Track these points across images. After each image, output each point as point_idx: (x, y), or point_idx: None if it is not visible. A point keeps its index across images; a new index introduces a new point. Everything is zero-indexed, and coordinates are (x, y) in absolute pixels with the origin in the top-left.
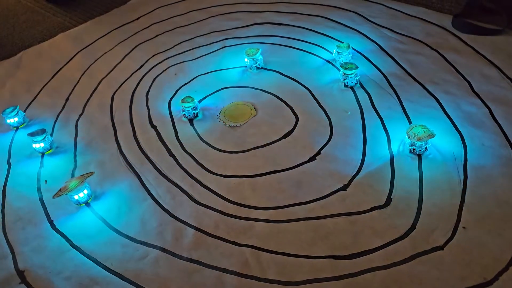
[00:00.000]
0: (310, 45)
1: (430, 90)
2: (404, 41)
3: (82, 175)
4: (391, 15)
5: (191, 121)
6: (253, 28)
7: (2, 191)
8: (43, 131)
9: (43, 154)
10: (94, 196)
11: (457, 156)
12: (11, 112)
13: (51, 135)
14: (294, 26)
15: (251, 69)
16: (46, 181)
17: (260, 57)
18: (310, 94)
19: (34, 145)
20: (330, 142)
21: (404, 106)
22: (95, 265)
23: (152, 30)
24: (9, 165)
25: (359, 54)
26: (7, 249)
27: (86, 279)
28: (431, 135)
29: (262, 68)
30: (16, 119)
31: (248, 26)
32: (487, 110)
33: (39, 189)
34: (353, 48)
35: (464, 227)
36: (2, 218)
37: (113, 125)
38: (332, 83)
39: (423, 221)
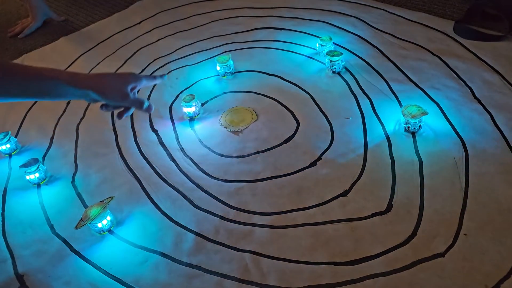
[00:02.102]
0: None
1: (432, 96)
2: (405, 47)
3: (102, 201)
4: (393, 20)
5: (191, 123)
6: (254, 33)
7: (3, 194)
8: (35, 160)
9: (38, 185)
10: (116, 222)
11: (459, 163)
12: (3, 138)
13: (52, 138)
14: (296, 31)
15: (225, 76)
16: (45, 184)
17: (231, 62)
18: (311, 99)
19: (27, 177)
20: (331, 147)
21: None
22: (95, 269)
23: (153, 34)
24: (10, 168)
25: (361, 60)
26: (7, 253)
27: (86, 283)
28: (424, 113)
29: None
30: (8, 145)
31: (249, 30)
32: (489, 116)
33: (39, 193)
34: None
35: (465, 234)
36: (2, 221)
37: (114, 129)
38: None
39: (424, 227)
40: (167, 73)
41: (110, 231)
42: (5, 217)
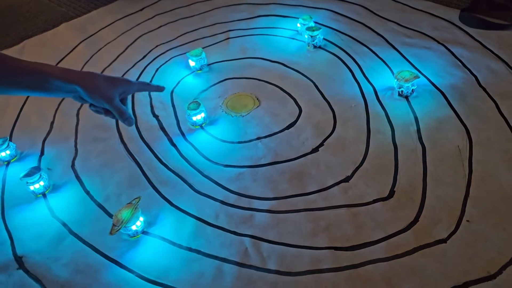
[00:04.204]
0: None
1: (436, 84)
2: (410, 35)
3: (130, 203)
4: (398, 9)
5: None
6: (257, 20)
7: (2, 178)
8: (37, 169)
9: (44, 194)
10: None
11: (462, 150)
12: (1, 145)
13: (52, 123)
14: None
15: (201, 69)
16: (48, 168)
17: (204, 54)
18: (314, 86)
19: (31, 187)
20: (333, 133)
21: (409, 100)
22: (93, 252)
23: (155, 21)
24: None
25: (367, 49)
26: (6, 234)
27: (84, 265)
28: (417, 76)
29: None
30: (8, 152)
31: (252, 18)
32: (494, 104)
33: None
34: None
35: (468, 221)
36: (1, 204)
37: None
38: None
39: (426, 214)
40: (169, 59)
41: (144, 232)
42: (4, 200)
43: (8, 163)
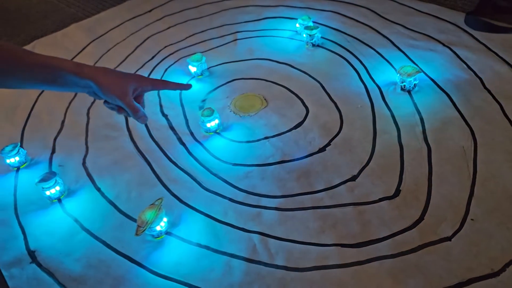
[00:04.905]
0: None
1: (441, 86)
2: (416, 38)
3: (153, 204)
4: (404, 11)
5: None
6: (264, 22)
7: (15, 176)
8: (52, 174)
9: (59, 200)
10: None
11: (467, 151)
12: (11, 150)
13: (63, 122)
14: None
15: (202, 74)
16: (60, 165)
17: (204, 58)
18: (321, 87)
19: (47, 193)
20: (340, 133)
21: (415, 102)
22: (105, 247)
23: (164, 22)
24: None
25: (373, 50)
26: (19, 230)
27: (96, 260)
28: (418, 71)
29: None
30: (17, 158)
31: (259, 20)
32: (498, 106)
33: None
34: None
35: (472, 219)
36: (14, 201)
37: None
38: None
39: (431, 213)
40: (178, 60)
41: (168, 233)
42: (17, 197)
43: (17, 169)
